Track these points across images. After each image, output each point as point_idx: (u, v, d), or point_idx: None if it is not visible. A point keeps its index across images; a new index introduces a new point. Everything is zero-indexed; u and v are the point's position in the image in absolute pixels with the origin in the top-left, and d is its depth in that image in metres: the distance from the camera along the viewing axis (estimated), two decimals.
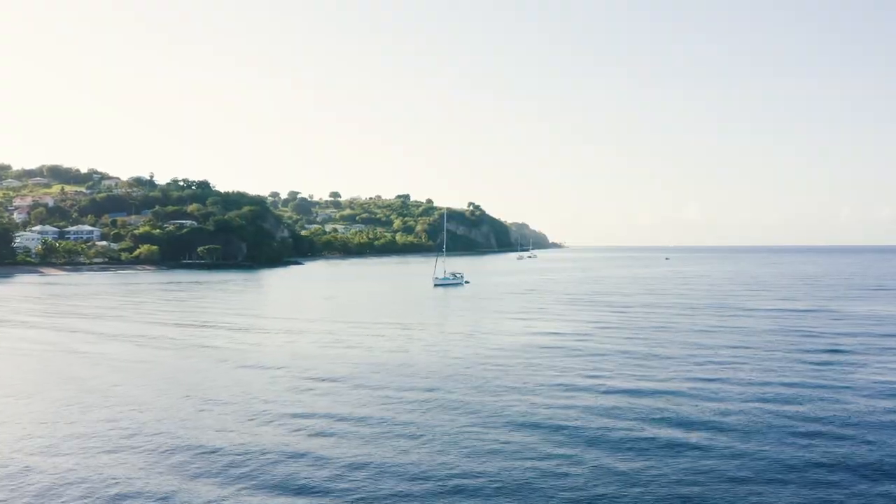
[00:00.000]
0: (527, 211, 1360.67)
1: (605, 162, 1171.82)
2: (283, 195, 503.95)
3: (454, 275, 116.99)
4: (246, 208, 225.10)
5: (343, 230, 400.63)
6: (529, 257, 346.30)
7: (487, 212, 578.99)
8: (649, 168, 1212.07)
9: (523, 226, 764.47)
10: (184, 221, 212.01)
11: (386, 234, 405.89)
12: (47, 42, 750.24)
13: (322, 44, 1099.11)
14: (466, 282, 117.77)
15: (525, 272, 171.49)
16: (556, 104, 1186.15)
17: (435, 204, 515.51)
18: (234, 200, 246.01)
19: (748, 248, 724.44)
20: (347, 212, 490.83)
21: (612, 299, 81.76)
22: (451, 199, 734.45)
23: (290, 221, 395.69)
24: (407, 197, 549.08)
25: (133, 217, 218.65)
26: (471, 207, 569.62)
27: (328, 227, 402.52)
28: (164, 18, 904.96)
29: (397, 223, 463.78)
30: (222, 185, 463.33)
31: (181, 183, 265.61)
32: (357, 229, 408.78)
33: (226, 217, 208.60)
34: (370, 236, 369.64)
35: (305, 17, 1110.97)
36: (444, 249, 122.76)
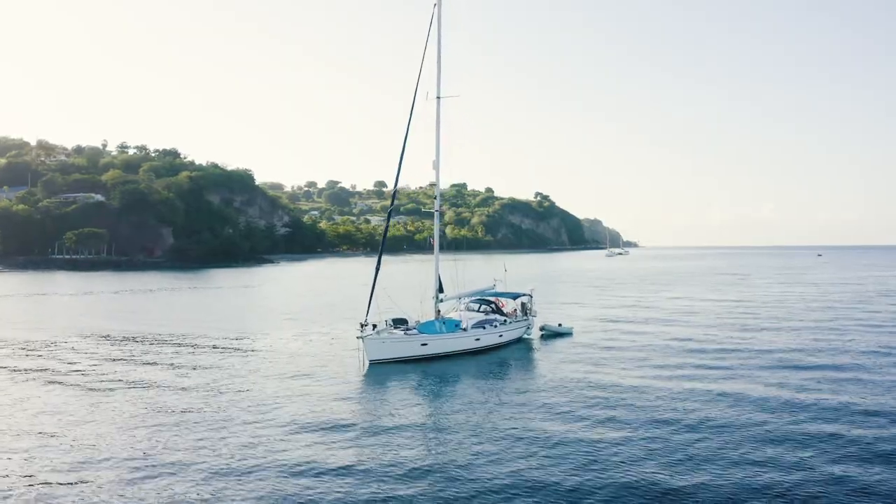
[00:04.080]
0: (596, 208, 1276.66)
1: (674, 162, 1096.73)
2: (321, 185, 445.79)
3: (490, 310, 34.16)
4: (183, 174, 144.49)
5: (380, 221, 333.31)
6: (620, 254, 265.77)
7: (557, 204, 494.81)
8: (721, 168, 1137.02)
9: (597, 222, 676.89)
10: (81, 195, 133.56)
11: (433, 227, 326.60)
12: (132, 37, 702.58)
13: (389, 35, 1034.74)
14: (560, 330, 35.47)
15: (660, 283, 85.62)
16: (626, 105, 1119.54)
17: (495, 193, 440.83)
18: (203, 170, 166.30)
19: (842, 248, 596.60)
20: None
21: None
22: (513, 191, 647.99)
23: (316, 211, 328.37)
24: (463, 186, 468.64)
25: (5, 190, 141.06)
26: (538, 198, 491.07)
27: (361, 219, 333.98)
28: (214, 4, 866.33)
29: (449, 215, 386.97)
30: (262, 176, 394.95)
31: (133, 151, 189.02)
32: (397, 221, 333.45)
33: (141, 187, 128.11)
34: (409, 229, 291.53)
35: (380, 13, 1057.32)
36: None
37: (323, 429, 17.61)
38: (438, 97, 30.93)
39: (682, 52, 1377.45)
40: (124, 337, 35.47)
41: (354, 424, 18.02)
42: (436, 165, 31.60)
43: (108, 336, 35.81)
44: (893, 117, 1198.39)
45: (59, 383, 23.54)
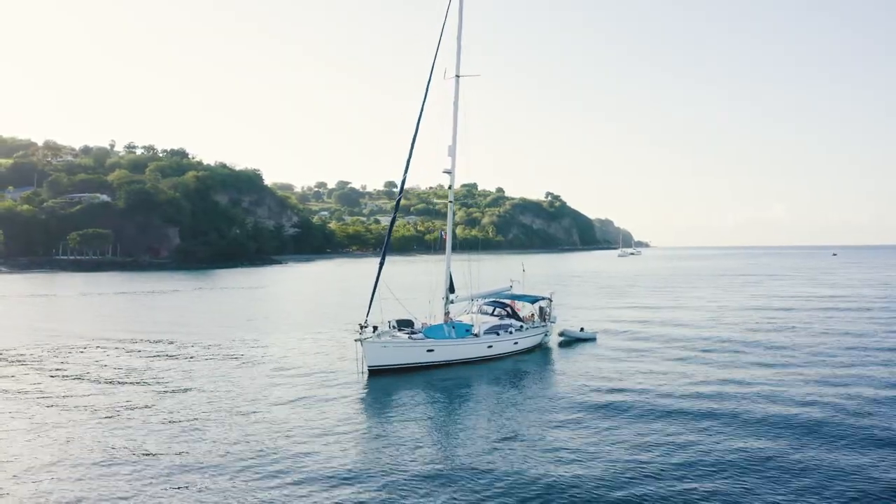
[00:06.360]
0: (599, 208, 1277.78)
1: (675, 162, 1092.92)
2: (331, 185, 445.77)
3: (504, 314, 30.64)
4: (190, 174, 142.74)
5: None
6: (632, 254, 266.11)
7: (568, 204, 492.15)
8: (729, 168, 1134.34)
9: (608, 222, 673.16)
10: (86, 195, 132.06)
11: (444, 226, 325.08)
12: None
13: (391, 36, 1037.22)
14: (582, 336, 32.49)
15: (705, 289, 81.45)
16: (626, 105, 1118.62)
17: (506, 193, 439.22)
18: (211, 170, 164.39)
19: (849, 248, 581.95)
20: (402, 202, 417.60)
21: None
22: (519, 191, 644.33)
23: (326, 212, 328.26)
24: (473, 186, 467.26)
25: (11, 190, 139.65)
26: (549, 198, 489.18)
27: (371, 219, 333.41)
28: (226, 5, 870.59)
29: (460, 215, 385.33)
30: (273, 177, 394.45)
31: (140, 151, 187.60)
32: (407, 221, 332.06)
33: (147, 187, 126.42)
34: (419, 229, 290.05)
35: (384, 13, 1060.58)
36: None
37: (299, 454, 14.96)
38: (457, 76, 28.23)
39: (682, 52, 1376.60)
40: (104, 343, 33.05)
41: (340, 448, 15.35)
42: (452, 151, 28.58)
43: (90, 343, 33.43)
44: (894, 117, 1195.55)
45: (54, 392, 21.07)
